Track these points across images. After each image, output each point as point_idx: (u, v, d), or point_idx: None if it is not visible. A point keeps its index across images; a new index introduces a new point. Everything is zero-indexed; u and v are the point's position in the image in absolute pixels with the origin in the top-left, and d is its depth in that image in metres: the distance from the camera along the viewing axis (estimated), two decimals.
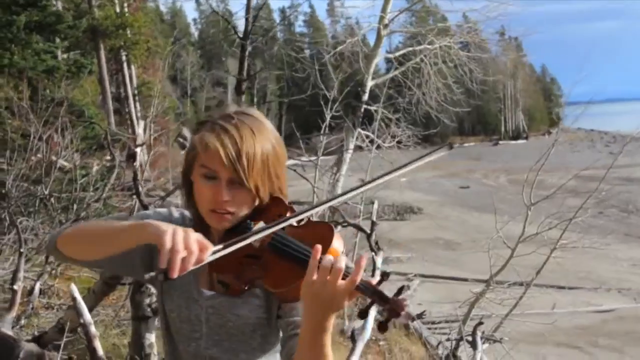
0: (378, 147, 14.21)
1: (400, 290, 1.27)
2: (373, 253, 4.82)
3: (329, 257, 1.49)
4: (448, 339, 7.84)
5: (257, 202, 1.73)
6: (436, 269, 18.79)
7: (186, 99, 49.31)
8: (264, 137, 1.71)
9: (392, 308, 1.39)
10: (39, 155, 8.82)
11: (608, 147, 54.81)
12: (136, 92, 29.81)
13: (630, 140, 10.23)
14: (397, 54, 16.28)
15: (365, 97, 14.40)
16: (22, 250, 5.57)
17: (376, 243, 5.13)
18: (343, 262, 1.48)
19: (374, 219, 5.43)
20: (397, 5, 16.13)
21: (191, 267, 1.49)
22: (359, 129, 14.04)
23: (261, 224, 1.67)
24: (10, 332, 5.04)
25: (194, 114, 44.71)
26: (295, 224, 1.64)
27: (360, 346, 3.95)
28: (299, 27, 75.88)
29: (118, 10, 27.32)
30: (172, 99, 32.96)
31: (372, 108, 14.66)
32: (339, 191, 13.35)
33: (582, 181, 11.46)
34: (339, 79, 13.49)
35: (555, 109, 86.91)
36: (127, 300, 6.48)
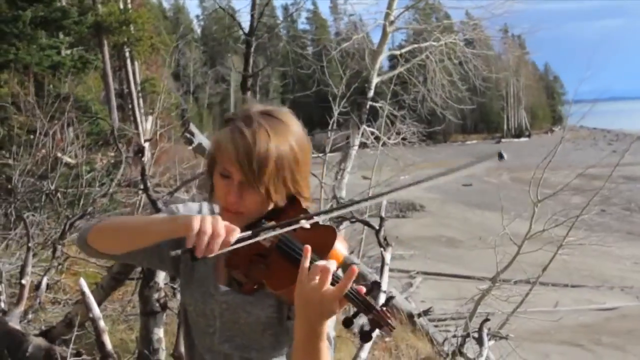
0: (383, 144, 14.22)
1: (387, 301, 1.28)
2: (382, 249, 4.82)
3: (320, 262, 1.49)
4: (454, 336, 7.85)
5: (270, 205, 1.73)
6: (438, 266, 18.81)
7: (189, 96, 49.28)
8: (281, 139, 1.69)
9: (375, 319, 1.41)
10: (44, 151, 8.84)
11: (611, 145, 54.78)
12: (139, 88, 29.79)
13: (636, 139, 10.22)
14: (403, 50, 16.28)
15: (371, 93, 14.39)
16: (30, 245, 5.59)
17: (385, 239, 5.14)
18: (333, 266, 1.48)
19: (383, 214, 5.44)
20: (402, 2, 16.09)
21: (218, 250, 1.54)
22: (364, 126, 14.05)
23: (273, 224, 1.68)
24: (18, 327, 5.05)
25: (197, 111, 44.70)
26: (308, 226, 1.64)
27: (368, 342, 3.94)
28: (302, 24, 75.87)
29: (122, 6, 27.30)
30: (176, 95, 32.94)
31: (378, 105, 14.67)
32: (344, 187, 13.40)
33: (585, 179, 11.46)
34: (347, 75, 13.50)
35: (559, 107, 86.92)
36: (134, 296, 6.50)
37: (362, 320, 1.53)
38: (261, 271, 1.64)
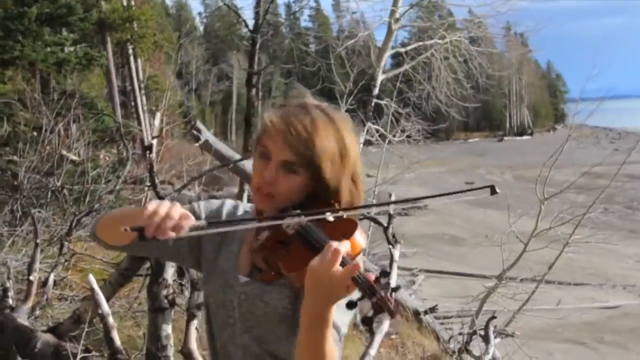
0: (389, 142, 14.23)
1: (393, 290, 1.28)
2: (390, 246, 4.82)
3: (332, 243, 1.48)
4: (460, 333, 7.86)
5: (304, 194, 1.71)
6: (441, 264, 18.81)
7: (191, 94, 49.31)
8: (331, 134, 1.69)
9: (377, 304, 1.40)
10: (49, 148, 8.85)
11: (613, 143, 54.66)
12: (142, 85, 29.81)
13: None
14: (409, 48, 16.27)
15: (376, 91, 14.38)
16: (37, 241, 5.60)
17: (393, 236, 5.14)
18: (344, 248, 1.47)
19: (392, 212, 5.44)
20: (406, 0, 16.11)
21: (170, 233, 1.55)
22: (369, 123, 14.03)
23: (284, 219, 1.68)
24: (26, 323, 5.07)
25: (200, 108, 44.74)
26: (332, 219, 1.63)
27: (378, 339, 3.96)
28: (304, 21, 75.81)
29: (125, 3, 27.30)
30: (181, 93, 32.98)
31: (383, 102, 14.68)
32: None
33: (589, 178, 11.47)
34: (355, 72, 13.48)
35: (561, 105, 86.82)
36: (141, 292, 6.51)
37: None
38: (280, 256, 1.64)
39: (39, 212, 7.39)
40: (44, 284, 5.79)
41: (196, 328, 4.66)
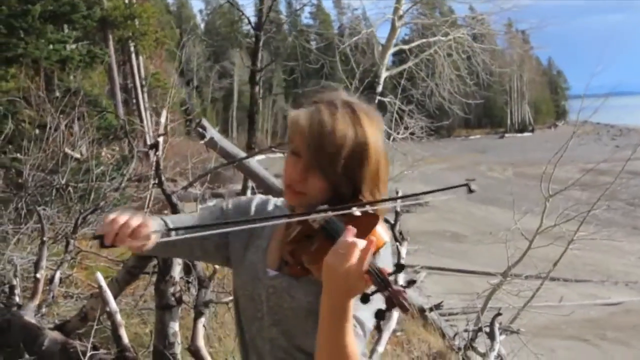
0: (393, 139, 14.23)
1: (408, 284, 1.28)
2: (397, 243, 4.83)
3: (349, 237, 1.48)
4: (466, 330, 7.86)
5: (331, 192, 1.71)
6: (443, 261, 18.78)
7: (192, 91, 49.27)
8: (359, 132, 1.69)
9: (390, 298, 1.41)
10: (53, 145, 8.86)
11: (614, 140, 54.64)
12: (144, 83, 29.81)
13: None
14: (412, 45, 16.28)
15: (380, 88, 14.39)
16: (44, 238, 5.62)
17: (400, 233, 5.15)
18: (361, 243, 1.46)
19: (398, 209, 5.45)
20: None
21: (128, 240, 1.62)
22: None
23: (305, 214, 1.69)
24: (33, 320, 5.08)
25: (201, 106, 44.73)
26: (359, 213, 1.64)
27: (386, 336, 3.97)
28: (305, 18, 75.75)
29: (127, 0, 27.29)
30: (185, 90, 33.00)
31: (386, 100, 14.68)
32: None
33: (591, 174, 11.46)
34: (360, 69, 13.48)
35: (562, 102, 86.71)
36: (147, 290, 6.53)
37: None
38: (304, 250, 1.65)
39: (44, 209, 7.39)
40: (50, 281, 5.81)
41: (203, 325, 4.68)
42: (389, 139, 14.32)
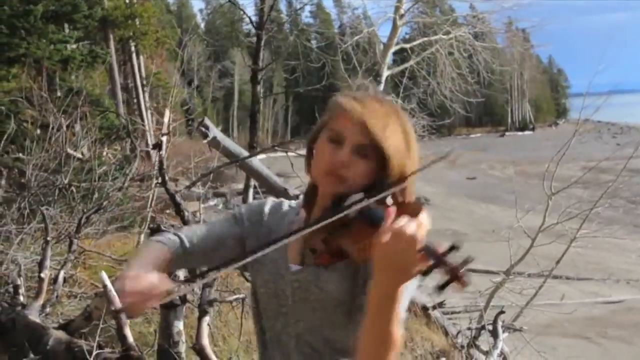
0: None
1: (464, 262, 1.30)
2: None
3: (402, 220, 1.49)
4: (469, 328, 7.87)
5: (371, 180, 1.74)
6: None
7: (193, 91, 49.28)
8: (398, 126, 1.75)
9: (448, 273, 1.41)
10: (56, 145, 8.87)
11: (615, 138, 54.63)
12: (145, 82, 29.83)
13: None
14: (414, 43, 16.29)
15: (381, 87, 14.40)
16: (48, 238, 5.63)
17: None
18: (413, 224, 1.47)
19: None
20: None
21: (149, 305, 1.61)
22: None
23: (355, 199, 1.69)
24: (37, 320, 5.09)
25: (202, 105, 44.74)
26: (391, 201, 1.65)
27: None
28: (305, 17, 75.69)
29: (127, 0, 27.30)
30: (187, 90, 33.01)
31: (388, 99, 14.66)
32: None
33: (591, 172, 11.46)
34: (363, 68, 13.50)
35: (563, 100, 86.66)
36: None
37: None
38: (341, 236, 1.66)
39: (47, 209, 7.40)
40: (54, 281, 5.83)
41: (208, 324, 4.70)
42: None
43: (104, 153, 11.56)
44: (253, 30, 13.10)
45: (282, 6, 61.09)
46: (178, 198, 4.96)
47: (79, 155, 9.24)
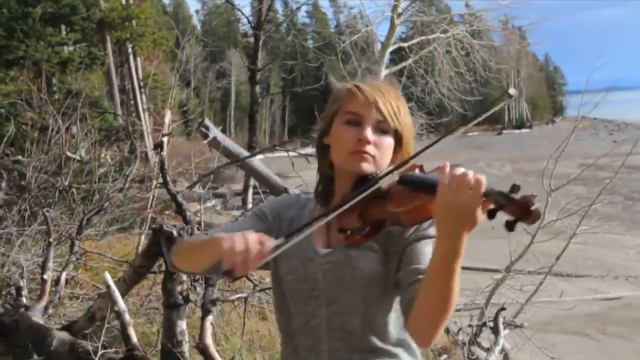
0: None
1: (514, 187, 1.31)
2: None
3: (459, 168, 1.52)
4: (470, 325, 7.89)
5: (393, 155, 1.83)
6: None
7: (190, 92, 49.27)
8: (400, 99, 1.86)
9: (523, 206, 1.40)
10: (55, 147, 8.89)
11: (612, 135, 54.67)
12: (142, 84, 29.81)
13: None
14: (412, 42, 16.32)
15: None
16: (51, 240, 5.65)
17: None
18: (471, 172, 1.49)
19: None
20: None
21: (255, 263, 1.57)
22: None
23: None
24: (41, 321, 5.11)
25: (199, 106, 44.73)
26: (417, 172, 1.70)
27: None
28: (302, 17, 75.63)
29: (124, 2, 27.29)
30: (184, 91, 32.96)
31: None
32: None
33: (589, 169, 11.49)
34: (362, 67, 13.53)
35: (559, 98, 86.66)
36: (152, 289, 6.57)
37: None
38: (380, 205, 1.68)
39: (48, 211, 7.42)
40: (56, 282, 5.85)
41: (211, 323, 4.72)
42: None
43: (103, 155, 11.57)
44: (250, 31, 13.11)
45: (278, 6, 61.23)
46: (180, 198, 4.98)
47: (78, 158, 9.26)
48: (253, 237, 1.58)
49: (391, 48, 15.78)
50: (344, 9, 56.26)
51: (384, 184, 1.68)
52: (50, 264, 5.51)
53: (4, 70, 12.59)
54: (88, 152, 9.18)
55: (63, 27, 15.86)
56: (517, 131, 74.64)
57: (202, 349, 4.55)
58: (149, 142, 18.37)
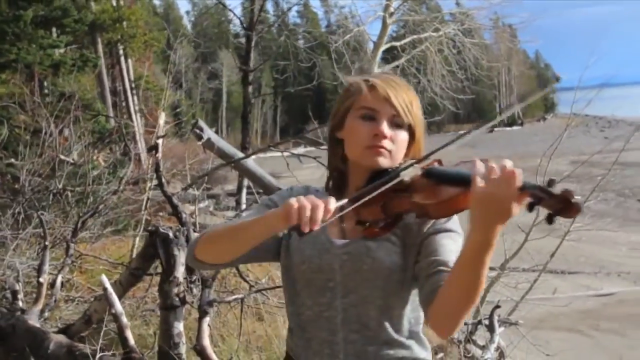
0: None
1: (551, 182, 1.30)
2: None
3: (500, 162, 1.51)
4: (465, 323, 7.90)
5: (407, 150, 1.85)
6: None
7: (182, 92, 49.19)
8: (412, 93, 1.88)
9: (564, 200, 1.39)
10: (49, 150, 8.87)
11: (603, 132, 54.88)
12: (133, 85, 29.72)
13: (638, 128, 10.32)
14: (404, 41, 16.34)
15: None
16: (47, 243, 5.65)
17: None
18: (509, 163, 1.49)
19: None
20: None
21: (321, 220, 1.55)
22: None
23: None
24: (37, 325, 5.12)
25: (190, 106, 44.67)
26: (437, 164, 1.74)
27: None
28: (292, 17, 75.54)
29: (114, 3, 27.20)
30: (177, 93, 32.89)
31: None
32: None
33: (581, 166, 11.52)
34: (355, 67, 13.54)
35: (550, 95, 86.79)
36: (148, 291, 6.57)
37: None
38: (404, 198, 1.68)
39: (42, 214, 7.41)
40: (51, 285, 5.84)
41: (208, 325, 4.72)
42: None
43: (95, 157, 11.55)
44: (241, 31, 13.11)
45: (269, 6, 61.17)
46: (175, 200, 4.98)
47: (72, 160, 9.24)
48: (315, 198, 1.58)
49: (383, 47, 15.81)
50: (335, 9, 56.34)
51: (406, 176, 1.69)
52: (47, 267, 5.51)
53: None
54: (81, 155, 9.16)
55: (54, 29, 15.86)
56: (508, 128, 74.69)
57: (200, 351, 4.56)
58: (141, 143, 18.33)
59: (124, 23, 27.25)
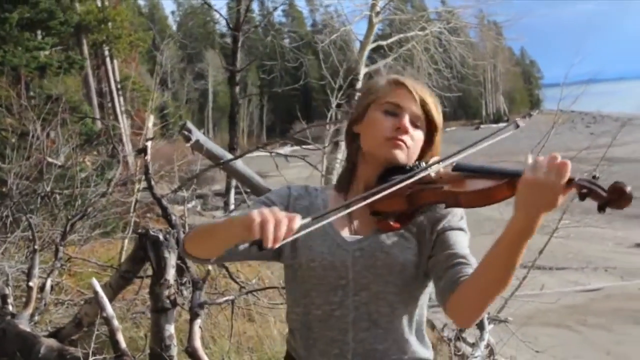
0: None
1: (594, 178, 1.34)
2: None
3: (551, 154, 1.53)
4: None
5: (422, 152, 1.88)
6: None
7: (168, 93, 49.01)
8: (439, 105, 1.92)
9: (619, 191, 1.42)
10: (37, 153, 8.83)
11: (589, 127, 55.07)
12: (119, 86, 29.62)
13: (626, 122, 10.37)
14: (390, 40, 16.37)
15: (360, 84, 14.46)
16: (36, 246, 5.62)
17: None
18: (558, 155, 1.52)
19: None
20: None
21: (284, 236, 1.52)
22: None
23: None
24: (28, 329, 5.10)
25: (176, 107, 44.55)
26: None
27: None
28: (278, 16, 75.46)
29: (99, 4, 27.10)
30: (164, 94, 32.77)
31: None
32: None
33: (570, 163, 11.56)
34: (344, 67, 13.52)
35: (536, 91, 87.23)
36: (138, 294, 6.56)
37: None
38: (433, 189, 1.71)
39: (30, 217, 7.38)
40: (41, 289, 5.82)
41: (200, 327, 4.72)
42: None
43: (82, 159, 11.49)
44: (228, 32, 13.12)
45: (255, 6, 61.04)
46: (165, 202, 4.97)
47: (59, 163, 9.20)
48: (282, 213, 1.55)
49: (370, 46, 15.84)
50: (320, 8, 56.33)
51: (432, 172, 1.73)
52: (36, 271, 5.48)
53: None
54: (69, 157, 9.11)
55: (39, 31, 15.77)
56: (494, 125, 74.90)
57: (191, 353, 4.55)
58: (128, 145, 18.27)
59: (109, 24, 27.17)
